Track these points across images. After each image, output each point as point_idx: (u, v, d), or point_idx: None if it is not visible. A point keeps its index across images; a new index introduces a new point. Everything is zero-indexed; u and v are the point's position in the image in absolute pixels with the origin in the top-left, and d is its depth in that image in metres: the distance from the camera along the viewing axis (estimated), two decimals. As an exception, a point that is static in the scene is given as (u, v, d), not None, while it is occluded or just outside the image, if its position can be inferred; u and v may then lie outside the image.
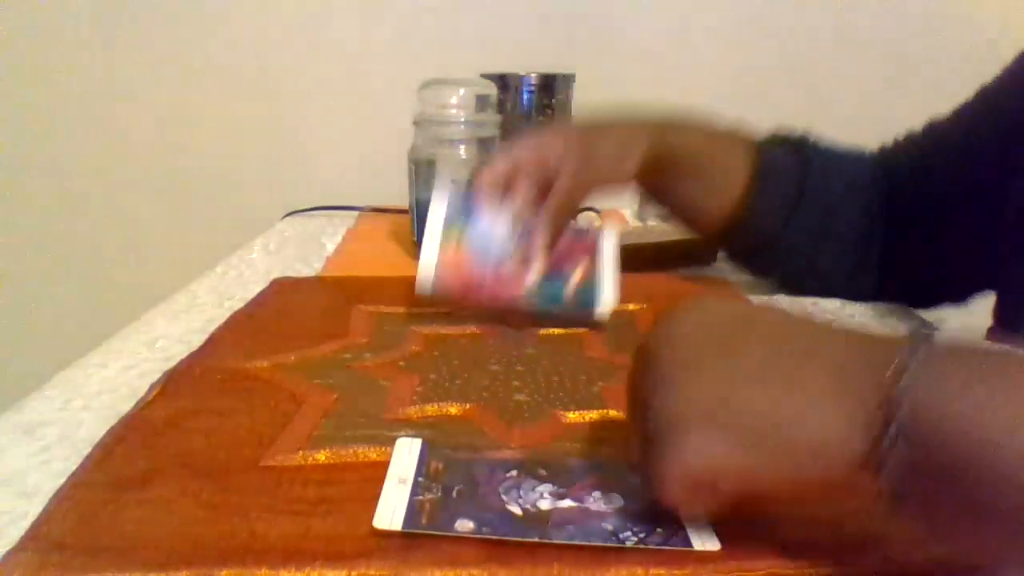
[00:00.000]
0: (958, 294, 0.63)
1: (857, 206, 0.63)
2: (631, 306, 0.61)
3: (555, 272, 0.54)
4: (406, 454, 0.36)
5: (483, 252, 0.53)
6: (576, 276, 0.54)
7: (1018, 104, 0.56)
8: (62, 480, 0.34)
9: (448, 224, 0.54)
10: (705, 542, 0.30)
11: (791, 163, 0.63)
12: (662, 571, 0.29)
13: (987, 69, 0.60)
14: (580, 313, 0.54)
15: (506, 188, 0.55)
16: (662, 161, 0.60)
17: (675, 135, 0.60)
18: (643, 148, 0.59)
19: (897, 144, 0.66)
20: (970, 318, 0.60)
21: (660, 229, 0.72)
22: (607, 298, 0.54)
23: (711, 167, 0.62)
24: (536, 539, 0.29)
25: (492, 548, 0.30)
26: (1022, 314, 0.53)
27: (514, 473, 0.34)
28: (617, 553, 0.29)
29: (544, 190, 0.55)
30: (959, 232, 0.60)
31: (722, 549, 0.29)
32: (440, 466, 0.35)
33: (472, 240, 0.53)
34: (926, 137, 0.64)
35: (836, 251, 0.64)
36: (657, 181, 0.62)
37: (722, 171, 0.62)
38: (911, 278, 0.63)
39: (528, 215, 0.54)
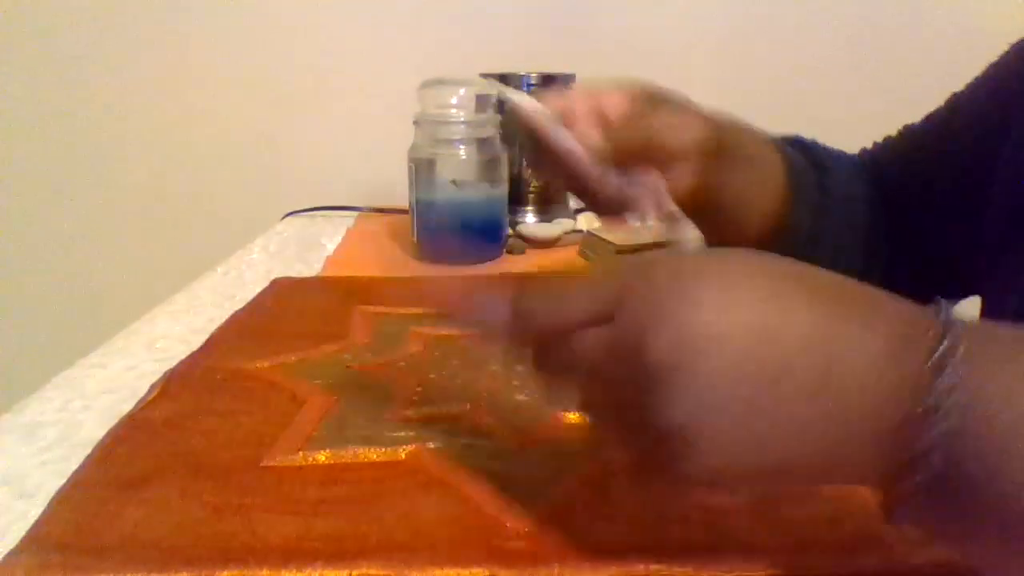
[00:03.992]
0: (946, 295, 0.64)
1: (866, 200, 0.63)
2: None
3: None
4: None
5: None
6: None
7: (987, 111, 0.56)
8: (62, 481, 0.34)
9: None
10: None
11: (807, 162, 0.62)
12: (662, 568, 0.29)
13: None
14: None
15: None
16: (720, 147, 0.54)
17: (724, 126, 0.56)
18: (699, 127, 0.54)
19: (875, 147, 0.67)
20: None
21: (659, 229, 0.71)
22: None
23: (760, 160, 0.58)
24: None
25: (493, 549, 0.30)
26: (1005, 314, 0.53)
27: None
28: (616, 553, 0.29)
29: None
30: (940, 236, 0.60)
31: (721, 550, 0.29)
32: None
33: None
34: (902, 142, 0.64)
35: (852, 246, 0.62)
36: (713, 169, 0.56)
37: (768, 164, 0.58)
38: (903, 277, 0.64)
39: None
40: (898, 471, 0.22)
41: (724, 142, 0.55)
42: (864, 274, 0.67)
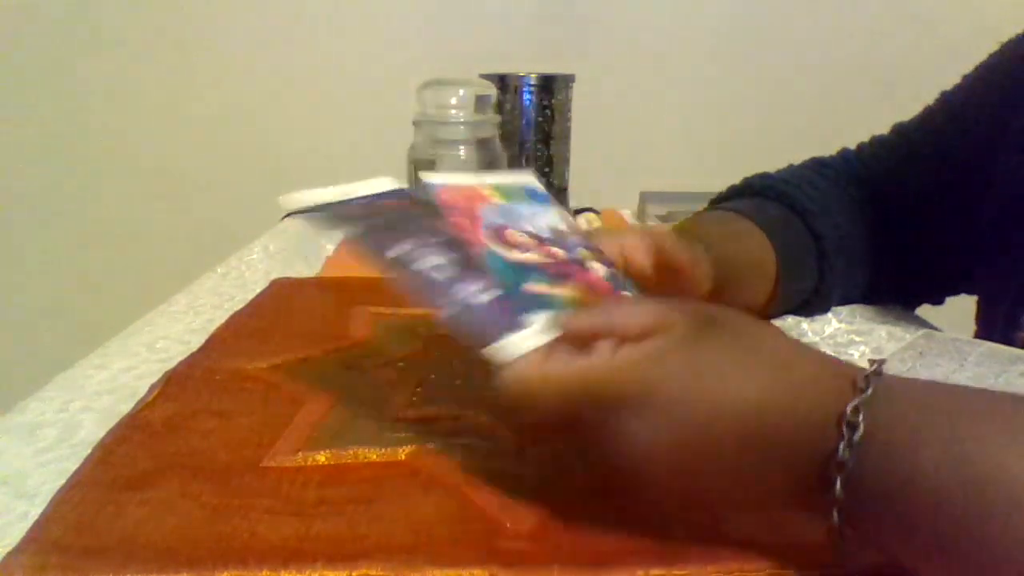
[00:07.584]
0: (936, 295, 0.63)
1: (857, 219, 0.61)
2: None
3: None
4: None
5: None
6: None
7: (981, 114, 0.56)
8: (62, 481, 0.34)
9: None
10: None
11: (799, 231, 0.59)
12: (662, 571, 0.29)
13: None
14: None
15: None
16: (723, 275, 0.52)
17: (723, 258, 0.52)
18: (708, 276, 0.50)
19: (866, 148, 0.65)
20: (955, 320, 0.60)
21: (659, 230, 0.70)
22: None
23: (752, 273, 0.56)
24: None
25: (493, 549, 0.30)
26: (1001, 317, 0.53)
27: None
28: (616, 554, 0.29)
29: None
30: (933, 235, 0.59)
31: (719, 549, 0.29)
32: None
33: None
34: (895, 143, 0.63)
35: (855, 271, 0.61)
36: (716, 292, 0.53)
37: (756, 275, 0.56)
38: (891, 278, 0.63)
39: None
40: (820, 484, 0.26)
41: (726, 270, 0.52)
42: (873, 284, 0.64)
